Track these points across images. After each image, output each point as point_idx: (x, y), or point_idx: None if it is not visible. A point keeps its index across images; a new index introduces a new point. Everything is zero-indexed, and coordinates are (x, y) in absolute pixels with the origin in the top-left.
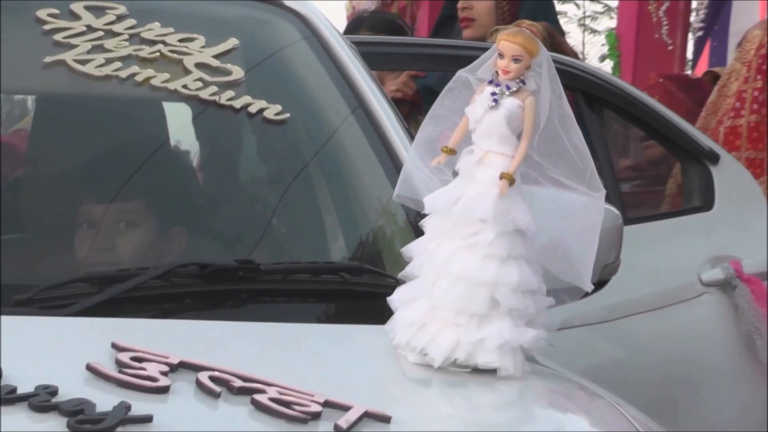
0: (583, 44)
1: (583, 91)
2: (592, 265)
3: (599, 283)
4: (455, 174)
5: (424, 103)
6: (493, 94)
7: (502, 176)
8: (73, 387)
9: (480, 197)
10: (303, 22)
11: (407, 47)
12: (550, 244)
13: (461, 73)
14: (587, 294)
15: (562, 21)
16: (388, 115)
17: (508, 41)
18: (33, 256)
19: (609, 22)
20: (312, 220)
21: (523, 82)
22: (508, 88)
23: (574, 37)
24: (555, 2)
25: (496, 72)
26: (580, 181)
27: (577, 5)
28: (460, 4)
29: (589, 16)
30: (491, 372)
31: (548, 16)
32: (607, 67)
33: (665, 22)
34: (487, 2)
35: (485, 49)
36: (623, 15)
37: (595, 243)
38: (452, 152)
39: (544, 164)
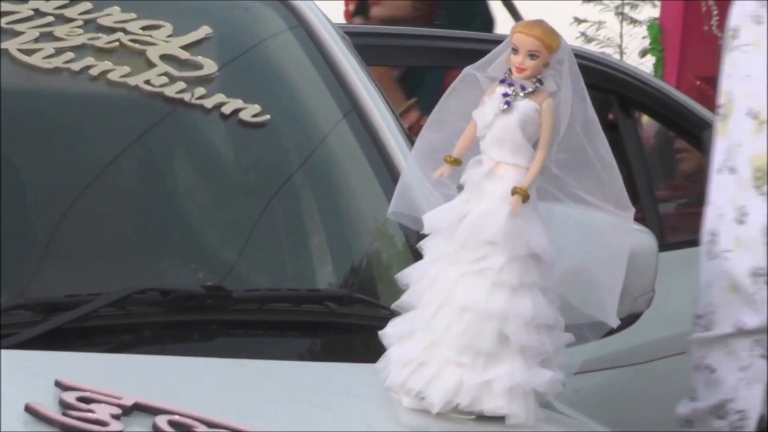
0: (621, 37)
1: (618, 93)
2: (619, 296)
3: (629, 318)
4: (460, 188)
5: None
6: (506, 95)
7: (514, 191)
8: (10, 430)
9: (489, 216)
10: (288, 9)
11: (409, 39)
12: (570, 271)
13: (469, 71)
14: (613, 330)
15: (596, 8)
16: (386, 119)
17: (523, 34)
18: None
19: (651, 11)
20: (295, 240)
21: (540, 81)
22: (522, 88)
23: (610, 27)
24: None
25: (510, 70)
26: (606, 198)
27: None
28: None
29: (628, 4)
30: (499, 420)
31: None
32: (649, 63)
33: (715, 13)
34: None
35: (498, 42)
36: (668, 3)
37: (623, 270)
38: (457, 163)
39: (564, 178)
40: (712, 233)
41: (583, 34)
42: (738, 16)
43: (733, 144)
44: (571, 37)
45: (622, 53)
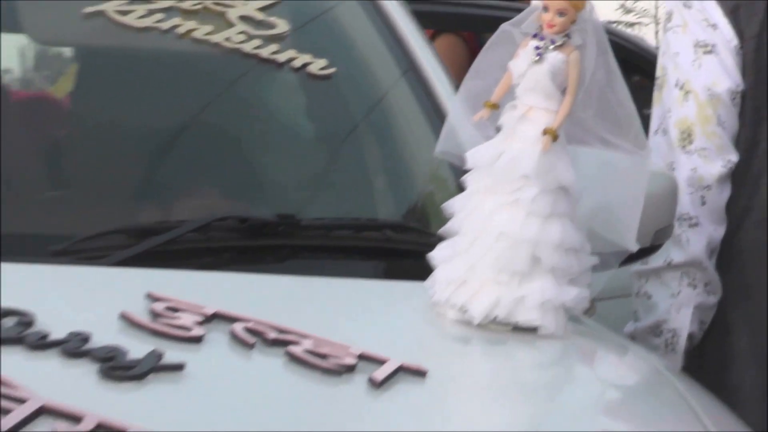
0: (656, 8)
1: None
2: (637, 226)
3: (651, 248)
4: (498, 129)
5: None
6: (537, 48)
7: (545, 132)
8: (106, 335)
9: (523, 153)
10: None
11: (458, 6)
12: (594, 203)
13: (505, 27)
14: (635, 256)
15: None
16: (438, 73)
17: None
18: (74, 210)
19: None
20: (356, 176)
21: (568, 36)
22: (552, 42)
23: None
24: None
25: (541, 26)
26: (625, 138)
27: None
28: None
29: None
30: (532, 330)
31: None
32: None
33: None
34: None
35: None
36: None
37: (641, 202)
38: (495, 107)
39: (588, 120)
40: None
41: (622, 5)
42: (672, 0)
43: (665, 110)
44: (611, 7)
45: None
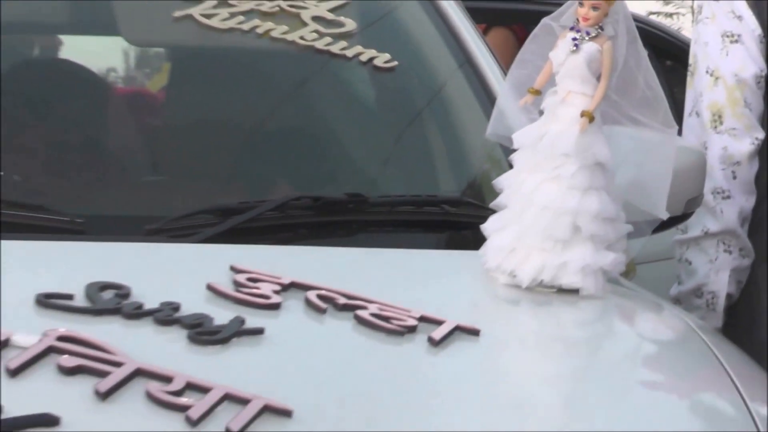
0: None
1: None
2: (666, 194)
3: (683, 216)
4: (541, 113)
5: None
6: (574, 39)
7: (582, 114)
8: (194, 304)
9: (563, 134)
10: None
11: (508, 2)
12: (628, 176)
13: (546, 21)
14: (665, 223)
15: None
16: (489, 63)
17: None
18: (166, 193)
19: None
20: (417, 157)
21: (601, 28)
22: (587, 33)
23: None
24: None
25: (577, 19)
26: (654, 118)
27: None
28: None
29: None
30: (574, 292)
31: None
32: None
33: None
34: None
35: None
36: None
37: (669, 175)
38: (538, 93)
39: (621, 102)
40: None
41: None
42: None
43: (697, 94)
44: None
45: (693, 12)
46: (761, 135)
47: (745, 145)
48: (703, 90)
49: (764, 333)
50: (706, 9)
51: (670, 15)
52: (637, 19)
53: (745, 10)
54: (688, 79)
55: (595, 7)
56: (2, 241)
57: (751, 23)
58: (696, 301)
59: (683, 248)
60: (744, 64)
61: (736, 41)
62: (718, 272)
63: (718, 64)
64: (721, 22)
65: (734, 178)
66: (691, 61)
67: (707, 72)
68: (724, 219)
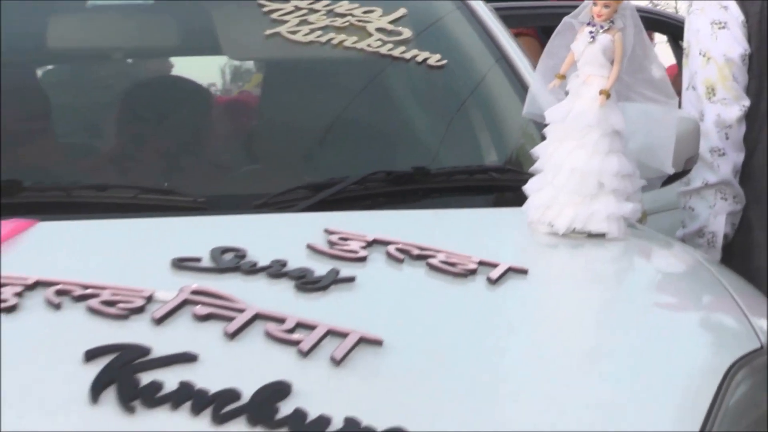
0: None
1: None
2: (671, 154)
3: (683, 172)
4: (566, 93)
5: None
6: (591, 32)
7: (601, 92)
8: (298, 260)
9: (586, 109)
10: None
11: (532, 9)
12: (640, 141)
13: (567, 19)
14: (670, 179)
15: None
16: (519, 57)
17: None
18: (268, 175)
19: None
20: (467, 136)
21: (612, 22)
22: (601, 27)
23: None
24: None
25: (592, 16)
26: (658, 92)
27: None
28: None
29: None
30: (601, 236)
31: None
32: None
33: None
34: None
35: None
36: None
37: (673, 139)
38: (563, 78)
39: (631, 82)
40: None
41: None
42: None
43: (693, 72)
44: None
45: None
46: (747, 102)
47: (734, 112)
48: (697, 69)
49: (759, 262)
50: (697, 3)
51: (656, 5)
52: (645, 10)
53: (731, 1)
54: (684, 60)
55: (606, 5)
56: (144, 219)
57: (735, 12)
58: (698, 240)
59: (687, 198)
60: (731, 46)
61: (723, 27)
62: (716, 216)
63: (709, 47)
64: (710, 13)
65: (727, 138)
66: (685, 45)
67: (700, 53)
68: (720, 172)
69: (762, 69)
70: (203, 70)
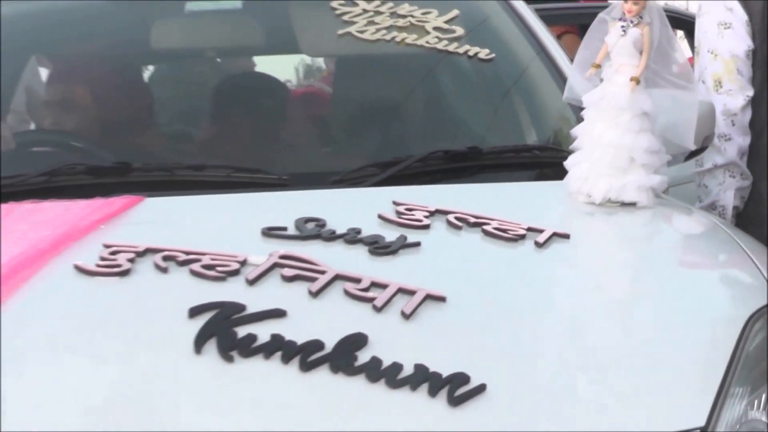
0: None
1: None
2: (693, 133)
3: (702, 149)
4: (601, 80)
5: None
6: (622, 26)
7: (631, 79)
8: (370, 228)
9: (619, 93)
10: None
11: (569, 9)
12: (666, 122)
13: (601, 15)
14: (692, 153)
15: None
16: (559, 53)
17: None
18: (342, 156)
19: None
20: (513, 119)
21: (641, 17)
22: (631, 22)
23: None
24: None
25: (624, 12)
26: (681, 78)
27: None
28: None
29: None
30: (632, 204)
31: None
32: None
33: None
34: None
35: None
36: None
37: (694, 119)
38: (598, 67)
39: (658, 70)
40: None
41: None
42: None
43: (702, 68)
44: None
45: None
46: (751, 92)
47: (739, 101)
48: (706, 65)
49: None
50: (704, 6)
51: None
52: (670, 10)
53: (735, 3)
54: (695, 56)
55: (636, 3)
56: (236, 194)
57: (739, 12)
58: (711, 213)
59: (701, 177)
60: (736, 44)
61: (729, 27)
62: (725, 191)
63: (716, 45)
64: (716, 15)
65: (733, 125)
66: (696, 44)
67: (708, 51)
68: (727, 155)
69: (764, 61)
70: (283, 65)
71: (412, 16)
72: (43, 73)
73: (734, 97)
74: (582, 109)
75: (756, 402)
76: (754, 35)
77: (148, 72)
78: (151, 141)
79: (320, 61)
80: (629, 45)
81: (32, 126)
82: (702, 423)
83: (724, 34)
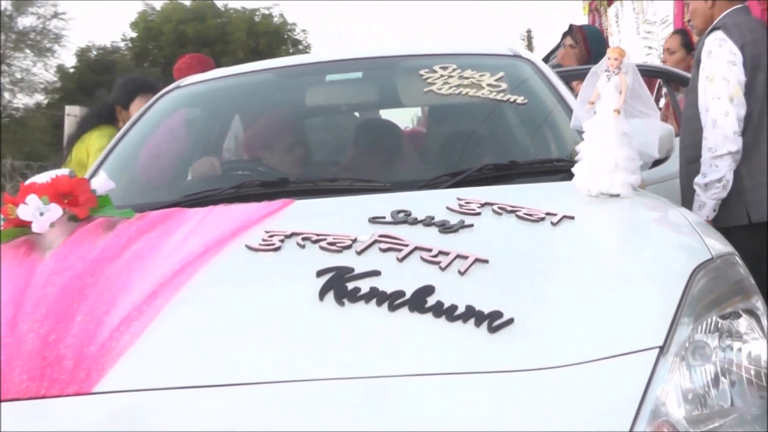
0: None
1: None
2: (657, 145)
3: (664, 159)
4: (595, 112)
5: None
6: (608, 75)
7: (615, 110)
8: (441, 215)
9: (607, 121)
10: (530, 62)
11: (578, 71)
12: (639, 139)
13: (593, 69)
14: (657, 162)
15: None
16: (569, 97)
17: (614, 52)
18: (425, 170)
19: None
20: (539, 142)
21: (620, 68)
22: (614, 72)
23: None
24: None
25: (608, 66)
26: (648, 109)
27: None
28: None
29: None
30: (618, 195)
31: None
32: None
33: None
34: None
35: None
36: None
37: (657, 137)
38: (593, 104)
39: (632, 103)
40: None
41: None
42: (710, 41)
43: (717, 89)
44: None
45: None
46: (743, 110)
47: (744, 108)
48: (722, 88)
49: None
50: (714, 51)
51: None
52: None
53: (736, 49)
54: (708, 83)
55: (616, 59)
56: (354, 196)
57: (740, 55)
58: (716, 185)
59: (714, 159)
60: (741, 75)
61: (735, 65)
62: (730, 171)
63: (729, 76)
64: (725, 56)
65: (739, 122)
66: (708, 74)
67: (723, 79)
68: (738, 143)
69: (754, 67)
70: (392, 114)
71: (473, 78)
72: (240, 124)
73: (741, 107)
74: (583, 132)
75: (699, 327)
76: (747, 70)
77: (305, 122)
78: (303, 167)
79: (417, 110)
80: (613, 88)
81: (232, 158)
82: (661, 342)
83: (732, 69)
